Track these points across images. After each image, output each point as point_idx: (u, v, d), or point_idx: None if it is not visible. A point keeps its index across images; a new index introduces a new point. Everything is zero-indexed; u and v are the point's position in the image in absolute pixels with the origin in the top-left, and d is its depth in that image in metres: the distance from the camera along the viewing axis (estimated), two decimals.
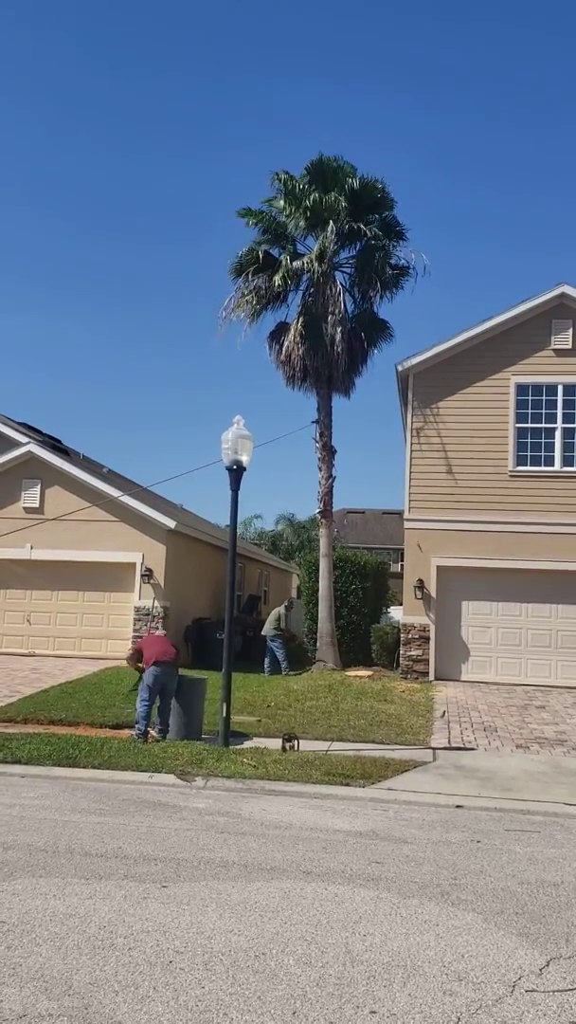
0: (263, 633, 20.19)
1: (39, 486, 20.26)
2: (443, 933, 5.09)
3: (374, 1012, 4.05)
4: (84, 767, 9.54)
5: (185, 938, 4.85)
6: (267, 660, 19.80)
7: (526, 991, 4.33)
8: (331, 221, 19.97)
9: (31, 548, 19.81)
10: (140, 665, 11.70)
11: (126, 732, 11.57)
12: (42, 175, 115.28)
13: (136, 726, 11.27)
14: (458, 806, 8.60)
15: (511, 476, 18.47)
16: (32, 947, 4.64)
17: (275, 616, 20.32)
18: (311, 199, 20.09)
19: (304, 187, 20.47)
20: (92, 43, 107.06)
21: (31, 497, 20.23)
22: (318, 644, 20.81)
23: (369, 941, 4.92)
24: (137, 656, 11.85)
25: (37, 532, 19.21)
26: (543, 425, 18.51)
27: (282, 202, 21.05)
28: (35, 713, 12.74)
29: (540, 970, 4.60)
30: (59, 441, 24.46)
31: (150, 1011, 3.97)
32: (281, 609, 20.54)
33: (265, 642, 20.21)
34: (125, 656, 12.46)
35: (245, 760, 9.90)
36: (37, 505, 20.13)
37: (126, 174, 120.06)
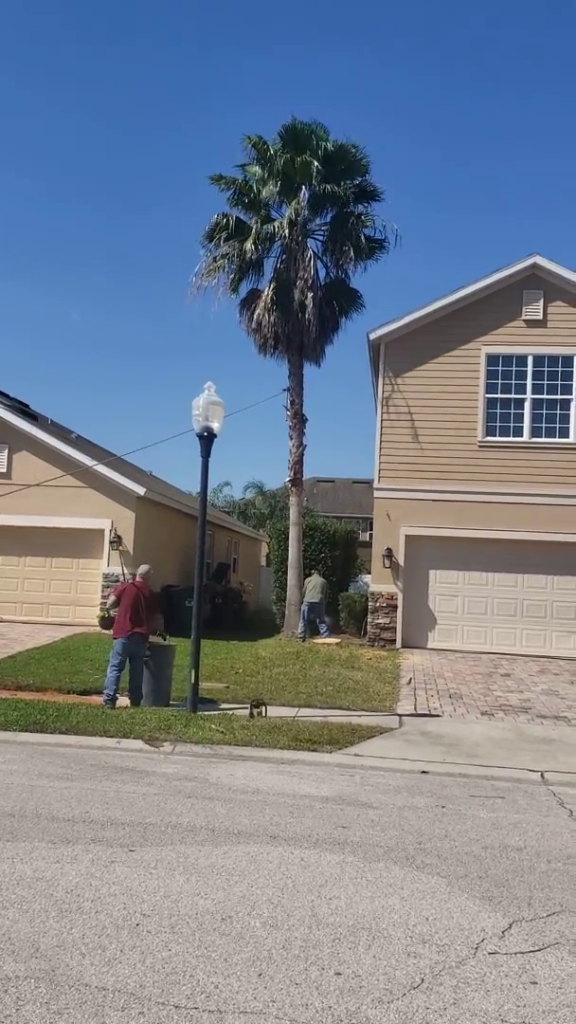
0: (313, 601, 19.83)
1: (6, 451, 20.05)
2: (408, 896, 5.16)
3: (339, 974, 4.10)
4: (52, 732, 9.53)
5: (152, 901, 4.88)
6: (304, 625, 19.74)
7: (489, 953, 4.41)
8: (303, 186, 19.78)
9: None
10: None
11: (94, 698, 11.57)
12: (13, 139, 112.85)
13: (105, 692, 11.27)
14: (424, 772, 8.70)
15: (480, 446, 18.53)
16: None
17: (323, 586, 20.13)
18: (283, 161, 19.87)
19: (277, 150, 20.25)
20: (69, 13, 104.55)
21: None
22: (286, 611, 20.90)
23: (335, 904, 4.97)
24: (114, 605, 11.90)
25: (4, 498, 19.02)
26: (512, 396, 18.56)
27: (256, 167, 20.83)
28: (1, 679, 12.67)
29: (502, 933, 4.68)
30: (27, 405, 24.16)
31: (117, 973, 4.00)
32: (323, 579, 20.39)
33: (231, 609, 20.22)
34: (107, 607, 12.51)
35: (213, 726, 9.94)
36: (4, 470, 19.94)
37: (102, 141, 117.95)
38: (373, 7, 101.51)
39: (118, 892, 4.99)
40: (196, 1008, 3.73)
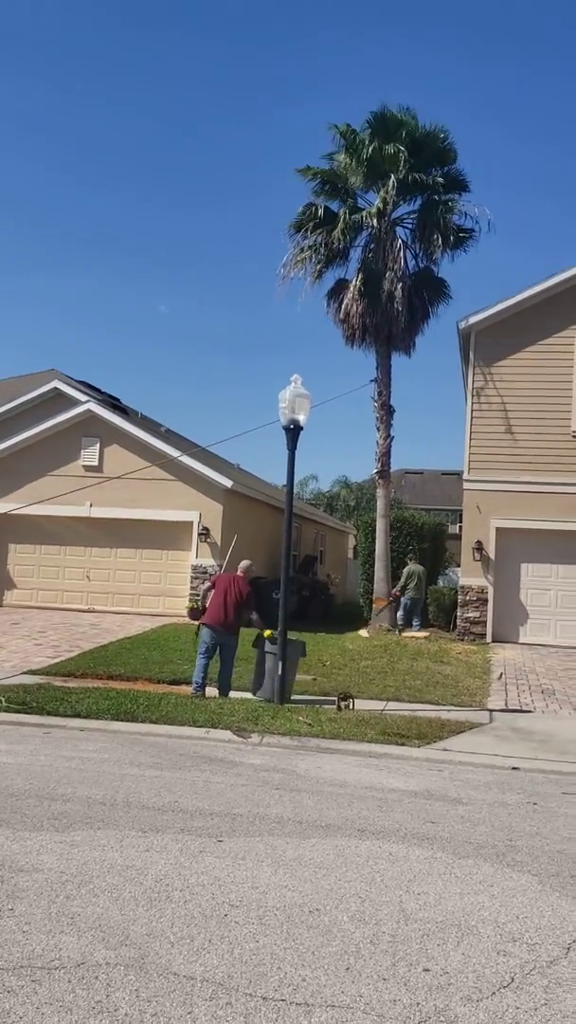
0: (416, 597, 20.00)
1: (98, 445, 20.47)
2: (498, 894, 5.06)
3: (427, 970, 4.04)
4: (142, 721, 9.66)
5: (240, 892, 4.89)
6: (404, 615, 20.01)
7: None
8: (391, 174, 19.55)
9: (90, 506, 20.07)
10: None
11: (184, 688, 11.71)
12: (89, 140, 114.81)
13: (193, 681, 11.39)
14: (514, 768, 8.54)
15: (574, 436, 18.08)
16: (90, 898, 4.72)
17: (422, 574, 20.20)
18: (370, 150, 19.67)
19: (364, 139, 20.03)
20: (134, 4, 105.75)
21: (90, 455, 20.48)
22: (373, 604, 20.80)
23: (423, 900, 4.91)
24: (205, 597, 12.10)
25: (96, 490, 19.45)
26: None
27: (342, 155, 20.66)
28: (94, 668, 12.96)
29: None
30: (118, 400, 24.62)
31: (206, 963, 4.02)
32: (421, 567, 20.43)
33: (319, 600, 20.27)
34: (202, 591, 12.64)
35: (300, 718, 9.95)
36: (96, 463, 20.37)
37: (177, 137, 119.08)
38: None
39: (207, 882, 5.02)
40: (284, 1000, 3.72)
